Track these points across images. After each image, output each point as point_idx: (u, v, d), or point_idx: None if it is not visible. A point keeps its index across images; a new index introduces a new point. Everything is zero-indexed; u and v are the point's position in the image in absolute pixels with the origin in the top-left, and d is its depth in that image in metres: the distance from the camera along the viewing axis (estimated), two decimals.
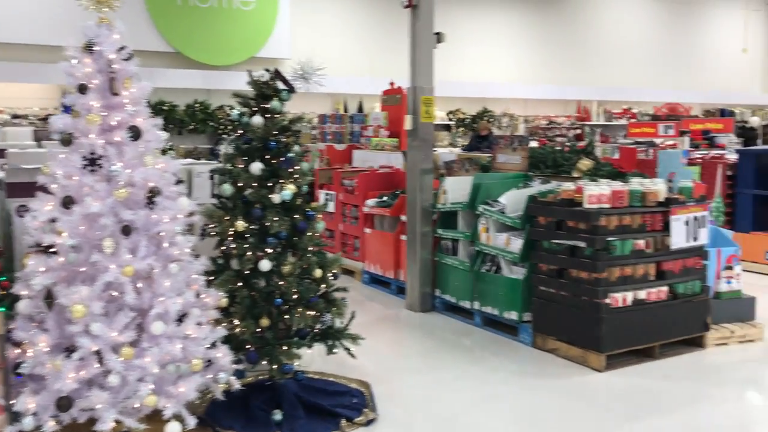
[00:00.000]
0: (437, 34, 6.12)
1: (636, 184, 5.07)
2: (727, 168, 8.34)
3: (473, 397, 4.53)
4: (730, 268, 5.50)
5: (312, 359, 4.51)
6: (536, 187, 5.76)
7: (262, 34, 13.99)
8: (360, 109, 14.46)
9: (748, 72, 21.55)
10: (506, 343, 5.51)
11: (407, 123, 6.15)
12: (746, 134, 17.36)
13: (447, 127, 16.00)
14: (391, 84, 9.54)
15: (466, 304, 5.95)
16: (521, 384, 4.76)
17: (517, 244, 5.44)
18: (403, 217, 6.58)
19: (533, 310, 5.30)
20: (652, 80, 19.38)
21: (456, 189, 6.07)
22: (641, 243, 4.92)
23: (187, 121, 13.13)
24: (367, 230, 7.31)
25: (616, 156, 9.73)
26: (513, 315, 5.47)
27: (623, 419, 4.18)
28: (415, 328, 6.09)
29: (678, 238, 5.00)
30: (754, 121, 17.82)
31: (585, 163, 6.35)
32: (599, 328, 4.74)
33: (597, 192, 4.84)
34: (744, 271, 8.19)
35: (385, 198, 7.16)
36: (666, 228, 5.01)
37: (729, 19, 20.57)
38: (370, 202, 7.23)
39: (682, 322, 5.13)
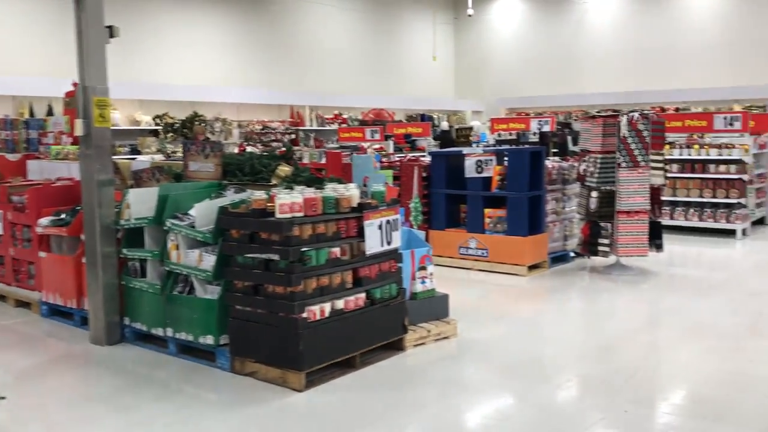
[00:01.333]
0: (109, 27, 5.37)
1: (330, 190, 4.90)
2: (423, 170, 8.73)
3: None
4: (423, 268, 5.61)
5: None
6: (230, 196, 5.34)
7: None
8: (50, 113, 12.80)
9: (443, 80, 23.61)
10: (204, 371, 5.00)
11: (78, 128, 5.32)
12: (445, 137, 18.90)
13: (155, 133, 14.93)
14: (74, 84, 8.42)
15: (159, 332, 5.31)
16: (219, 417, 4.30)
17: (210, 260, 4.96)
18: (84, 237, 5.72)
19: (230, 332, 4.86)
20: (361, 86, 20.23)
21: (141, 202, 5.39)
22: (336, 251, 4.75)
23: None
24: (43, 254, 6.27)
25: (324, 161, 9.74)
26: (209, 339, 4.97)
27: None
28: (100, 365, 5.29)
29: (372, 243, 4.93)
30: (444, 125, 19.47)
31: (284, 170, 6.08)
32: (297, 344, 4.46)
33: (289, 200, 4.55)
34: (441, 266, 8.69)
35: (63, 215, 6.19)
36: (361, 234, 4.91)
37: (423, 30, 22.28)
38: (44, 221, 6.20)
39: (382, 327, 5.08)
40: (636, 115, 7.76)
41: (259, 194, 4.73)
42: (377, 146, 14.03)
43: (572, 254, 8.89)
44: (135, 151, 14.12)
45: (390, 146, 14.40)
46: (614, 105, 19.36)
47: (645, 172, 7.82)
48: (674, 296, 7.21)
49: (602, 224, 8.01)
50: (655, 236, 8.11)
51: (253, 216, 4.65)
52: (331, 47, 19.40)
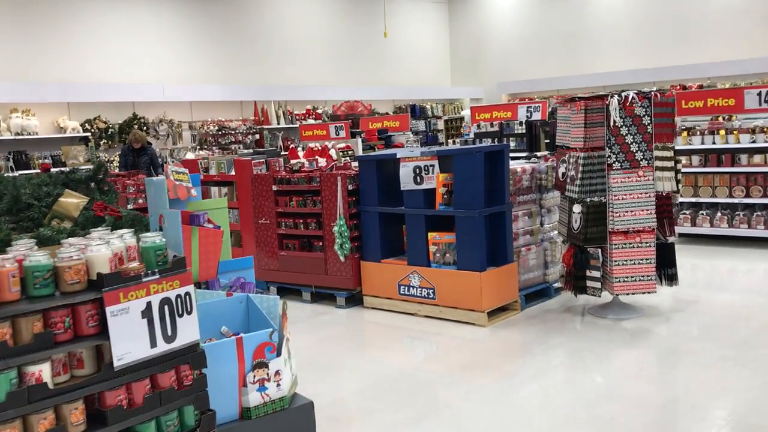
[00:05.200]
0: None
1: (67, 248, 2.71)
2: (349, 181, 6.50)
3: None
4: (262, 365, 3.37)
5: None
6: None
7: None
8: None
9: (438, 66, 21.31)
10: None
11: None
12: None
13: (86, 140, 12.85)
14: None
15: None
16: None
17: None
18: None
19: None
20: (340, 77, 18.02)
21: None
22: (42, 369, 2.55)
23: None
24: None
25: (233, 172, 7.55)
26: None
27: None
28: None
29: (127, 345, 2.73)
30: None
31: (69, 202, 3.92)
32: None
33: None
34: (378, 310, 6.47)
35: None
36: (106, 329, 2.72)
37: (411, 12, 20.01)
38: None
39: None
40: (632, 95, 5.44)
41: None
42: (342, 145, 11.84)
43: (556, 286, 6.62)
44: (58, 162, 12.10)
45: (358, 144, 12.17)
46: (628, 85, 16.83)
47: (648, 174, 5.51)
48: (704, 361, 4.86)
49: (590, 250, 5.72)
50: (666, 264, 5.80)
51: None
52: (302, 34, 17.20)
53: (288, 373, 3.47)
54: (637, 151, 5.48)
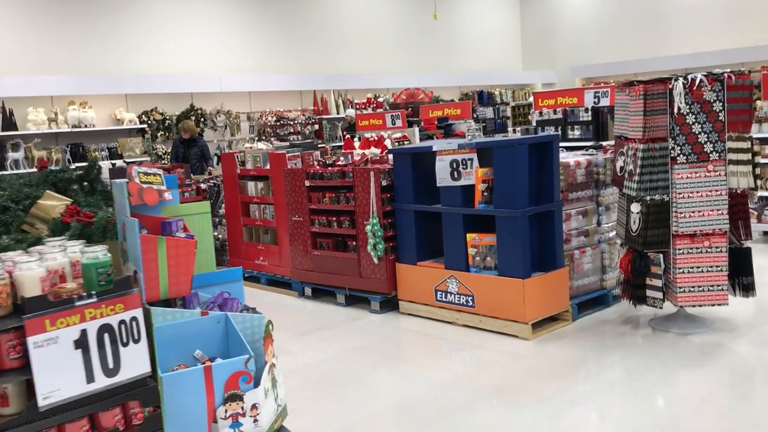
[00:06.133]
0: None
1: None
2: (382, 176, 5.98)
3: None
4: (236, 398, 2.92)
5: None
6: None
7: None
8: None
9: (508, 50, 20.45)
10: None
11: None
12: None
13: (144, 132, 12.81)
14: None
15: None
16: None
17: None
18: None
19: None
20: (403, 64, 17.46)
21: None
22: None
23: None
24: None
25: (269, 167, 7.15)
26: None
27: None
28: None
29: (52, 383, 2.33)
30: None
31: (48, 205, 3.59)
32: None
33: None
34: (414, 316, 5.96)
35: None
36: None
37: None
38: None
39: None
40: (699, 77, 4.69)
41: None
42: (398, 135, 11.31)
43: (614, 293, 5.91)
44: (114, 154, 12.12)
45: (415, 134, 11.61)
46: (715, 67, 15.58)
47: (719, 169, 4.75)
48: None
49: (650, 255, 5.01)
50: (741, 271, 5.02)
51: None
52: (362, 20, 16.72)
53: (270, 405, 3.00)
54: (706, 143, 4.73)
